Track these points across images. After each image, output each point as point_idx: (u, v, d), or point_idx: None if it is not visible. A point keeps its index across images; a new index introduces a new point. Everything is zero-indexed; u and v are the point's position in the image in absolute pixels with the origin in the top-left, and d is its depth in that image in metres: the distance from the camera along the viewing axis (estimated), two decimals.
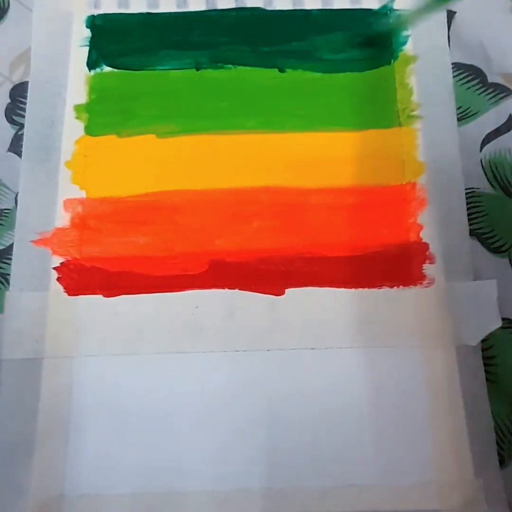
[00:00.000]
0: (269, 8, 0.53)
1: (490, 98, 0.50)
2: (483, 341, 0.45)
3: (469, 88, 0.51)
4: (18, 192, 0.48)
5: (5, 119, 0.51)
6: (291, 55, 0.52)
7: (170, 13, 0.53)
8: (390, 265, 0.47)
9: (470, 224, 0.48)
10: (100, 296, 0.46)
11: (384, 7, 0.53)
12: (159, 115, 0.50)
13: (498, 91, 0.50)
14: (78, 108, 0.50)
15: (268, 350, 0.45)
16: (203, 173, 0.49)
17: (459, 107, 0.50)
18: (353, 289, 0.46)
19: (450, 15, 0.52)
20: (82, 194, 0.48)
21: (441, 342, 0.45)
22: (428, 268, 0.47)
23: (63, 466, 0.43)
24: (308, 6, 0.53)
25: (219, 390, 0.45)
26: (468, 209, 0.48)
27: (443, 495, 0.42)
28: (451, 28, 0.51)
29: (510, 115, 0.50)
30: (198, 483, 0.43)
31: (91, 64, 0.51)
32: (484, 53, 0.51)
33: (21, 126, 0.50)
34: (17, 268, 0.47)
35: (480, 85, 0.51)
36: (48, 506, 0.42)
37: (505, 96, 0.50)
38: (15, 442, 0.43)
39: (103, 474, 0.43)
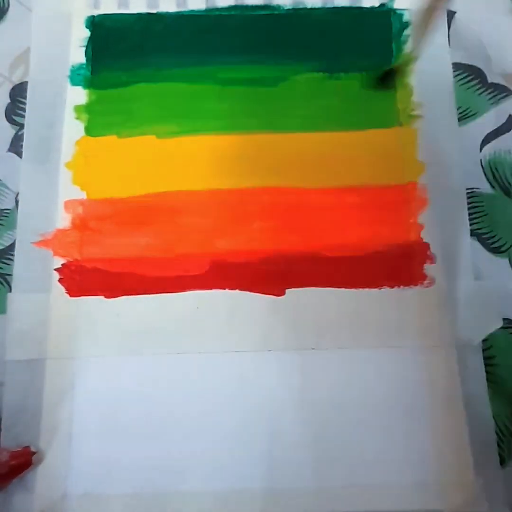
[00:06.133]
0: (269, 6, 0.53)
1: (490, 98, 0.51)
2: (483, 341, 0.45)
3: (469, 88, 0.51)
4: (18, 192, 0.48)
5: (5, 119, 0.50)
6: (291, 55, 0.51)
7: (169, 13, 0.53)
8: (391, 265, 0.47)
9: (470, 224, 0.48)
10: (101, 297, 0.46)
11: (384, 5, 0.53)
12: (159, 115, 0.50)
13: (498, 91, 0.51)
14: (78, 108, 0.50)
15: (269, 350, 0.45)
16: (204, 173, 0.49)
17: (459, 107, 0.50)
18: (353, 289, 0.47)
19: (450, 15, 0.52)
20: (83, 195, 0.48)
21: (441, 342, 0.45)
22: (428, 268, 0.47)
23: (67, 466, 0.43)
24: (308, 3, 0.53)
25: (220, 390, 0.45)
26: (468, 209, 0.48)
27: (443, 495, 0.43)
28: (451, 28, 0.51)
29: (510, 115, 0.50)
30: (198, 483, 0.43)
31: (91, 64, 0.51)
32: (484, 53, 0.51)
33: (21, 126, 0.50)
34: (18, 269, 0.47)
35: (480, 85, 0.51)
36: (52, 505, 0.43)
37: (505, 96, 0.50)
38: (19, 442, 0.43)
39: (105, 473, 0.43)
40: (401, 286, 0.47)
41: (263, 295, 0.46)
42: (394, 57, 0.51)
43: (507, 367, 0.45)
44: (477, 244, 0.48)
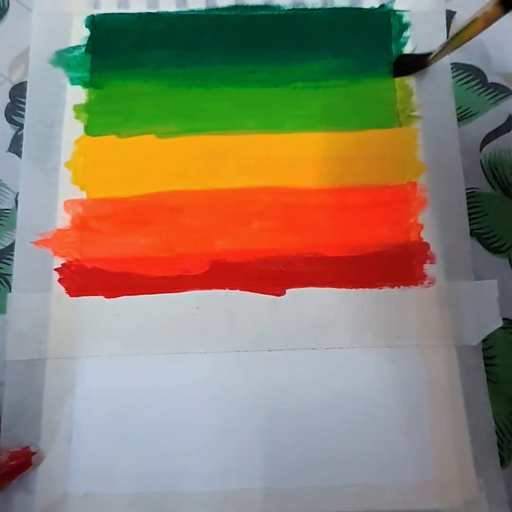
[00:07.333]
0: (269, 6, 0.53)
1: (490, 98, 0.51)
2: (483, 341, 0.45)
3: (469, 88, 0.51)
4: (18, 192, 0.48)
5: (5, 119, 0.50)
6: (291, 55, 0.51)
7: (169, 12, 0.53)
8: (391, 265, 0.47)
9: (470, 224, 0.48)
10: (101, 297, 0.46)
11: (384, 6, 0.53)
12: (159, 115, 0.50)
13: (498, 91, 0.51)
14: (77, 108, 0.50)
15: (269, 351, 0.45)
16: (203, 173, 0.49)
17: (459, 107, 0.50)
18: (353, 289, 0.47)
19: (450, 15, 0.52)
20: (83, 195, 0.48)
21: (441, 342, 0.45)
22: (428, 268, 0.47)
23: (67, 466, 0.43)
24: (308, 3, 0.53)
25: (220, 390, 0.45)
26: (468, 209, 0.48)
27: (443, 494, 0.43)
28: (451, 28, 0.51)
29: (510, 115, 0.50)
30: (199, 483, 0.43)
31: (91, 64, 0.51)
32: (484, 53, 0.51)
33: (21, 126, 0.50)
34: (18, 269, 0.47)
35: (480, 85, 0.51)
36: (53, 504, 0.43)
37: (505, 96, 0.50)
38: (19, 442, 0.43)
39: (105, 473, 0.43)
40: (401, 286, 0.47)
41: (263, 295, 0.46)
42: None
43: (507, 367, 0.45)
44: (477, 244, 0.48)
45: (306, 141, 0.50)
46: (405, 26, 0.52)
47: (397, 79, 0.51)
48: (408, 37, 0.52)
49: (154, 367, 0.45)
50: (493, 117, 0.50)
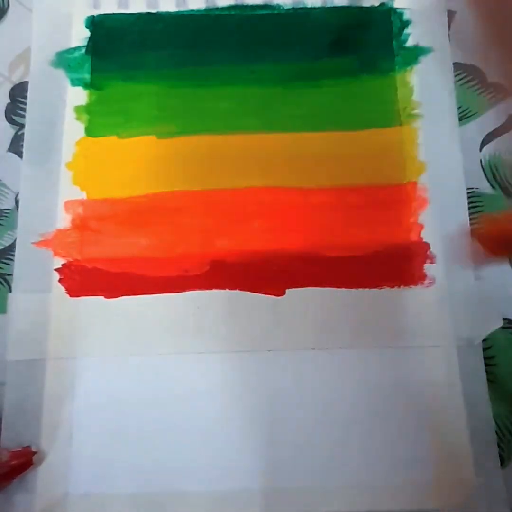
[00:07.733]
0: (269, 6, 0.53)
1: (490, 98, 0.50)
2: (483, 341, 0.45)
3: (469, 88, 0.51)
4: (18, 192, 0.48)
5: (5, 119, 0.51)
6: (291, 55, 0.51)
7: (169, 13, 0.53)
8: (391, 265, 0.47)
9: (470, 224, 0.48)
10: (101, 297, 0.46)
11: (384, 4, 0.53)
12: (159, 115, 0.50)
13: (498, 91, 0.50)
14: (78, 109, 0.50)
15: (269, 351, 0.45)
16: (204, 173, 0.49)
17: (459, 107, 0.50)
18: (353, 289, 0.47)
19: (450, 15, 0.52)
20: (83, 195, 0.48)
21: (441, 342, 0.45)
22: (429, 268, 0.47)
23: (67, 466, 0.44)
24: (308, 3, 0.53)
25: (220, 390, 0.45)
26: (468, 209, 0.48)
27: (443, 494, 0.43)
28: (451, 28, 0.51)
29: (509, 115, 0.50)
30: (199, 483, 0.43)
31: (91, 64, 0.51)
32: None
33: (21, 126, 0.50)
34: (19, 269, 0.47)
35: (480, 85, 0.51)
36: (53, 505, 0.43)
37: (505, 96, 0.50)
38: (20, 442, 0.44)
39: (105, 473, 0.43)
40: (401, 286, 0.46)
41: (263, 295, 0.46)
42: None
43: (507, 367, 0.45)
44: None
45: (306, 141, 0.50)
46: (406, 24, 0.52)
47: (398, 78, 0.51)
48: (409, 35, 0.52)
49: (153, 367, 0.45)
50: (493, 117, 0.50)
